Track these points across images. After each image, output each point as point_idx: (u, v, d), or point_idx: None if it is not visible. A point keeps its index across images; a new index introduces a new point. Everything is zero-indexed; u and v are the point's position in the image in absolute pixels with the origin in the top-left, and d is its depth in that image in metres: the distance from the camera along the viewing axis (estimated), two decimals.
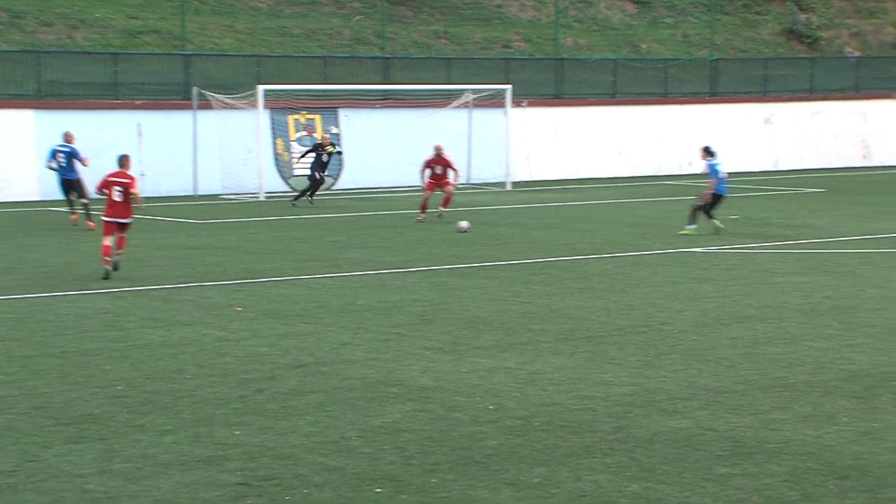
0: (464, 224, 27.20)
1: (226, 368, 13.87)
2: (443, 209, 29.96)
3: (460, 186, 37.62)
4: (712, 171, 26.96)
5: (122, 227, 20.65)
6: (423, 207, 29.57)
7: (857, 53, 55.65)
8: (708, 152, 27.40)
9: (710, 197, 26.74)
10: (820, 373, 13.52)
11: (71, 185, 28.08)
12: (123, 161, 21.09)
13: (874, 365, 13.90)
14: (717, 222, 26.67)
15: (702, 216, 26.68)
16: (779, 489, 9.64)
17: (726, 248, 24.36)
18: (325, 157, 33.95)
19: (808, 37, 56.21)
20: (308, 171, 34.34)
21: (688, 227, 26.43)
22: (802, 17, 56.69)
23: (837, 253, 23.65)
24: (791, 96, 50.03)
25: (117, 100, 38.20)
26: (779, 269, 21.47)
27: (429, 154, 30.46)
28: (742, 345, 15.03)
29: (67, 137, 28.64)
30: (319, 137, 34.83)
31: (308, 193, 33.81)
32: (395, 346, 15.09)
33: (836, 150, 50.56)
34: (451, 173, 29.93)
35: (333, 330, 16.09)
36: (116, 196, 20.53)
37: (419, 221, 29.10)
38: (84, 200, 27.79)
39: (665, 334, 15.70)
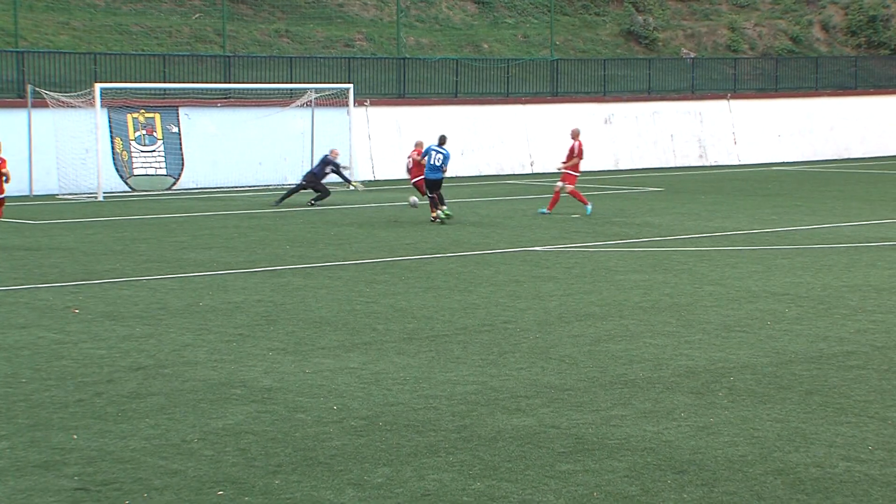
0: (413, 199, 29.11)
1: (63, 371, 13.58)
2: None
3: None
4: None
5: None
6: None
7: (693, 54, 56.78)
8: (439, 140, 29.70)
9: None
10: (659, 369, 13.73)
11: None
12: None
13: (711, 361, 14.16)
14: (440, 212, 28.79)
15: (436, 201, 28.90)
16: (619, 485, 9.77)
17: (568, 247, 24.64)
18: (326, 170, 34.23)
19: (646, 38, 57.19)
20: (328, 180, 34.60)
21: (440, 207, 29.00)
22: (640, 18, 57.64)
23: (676, 251, 24.08)
24: (630, 96, 50.84)
25: None
26: (619, 267, 21.77)
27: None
28: (584, 342, 15.19)
29: None
30: (328, 152, 34.91)
31: (317, 198, 33.86)
32: (238, 347, 14.94)
33: (674, 150, 51.51)
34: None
35: (175, 331, 15.87)
36: None
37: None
38: None
39: (509, 333, 15.81)
